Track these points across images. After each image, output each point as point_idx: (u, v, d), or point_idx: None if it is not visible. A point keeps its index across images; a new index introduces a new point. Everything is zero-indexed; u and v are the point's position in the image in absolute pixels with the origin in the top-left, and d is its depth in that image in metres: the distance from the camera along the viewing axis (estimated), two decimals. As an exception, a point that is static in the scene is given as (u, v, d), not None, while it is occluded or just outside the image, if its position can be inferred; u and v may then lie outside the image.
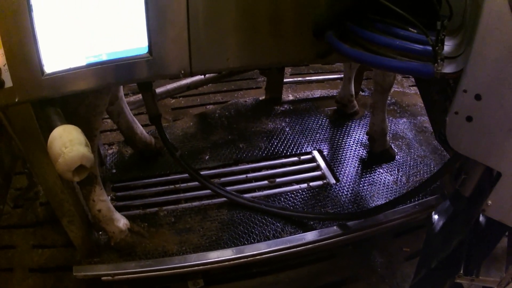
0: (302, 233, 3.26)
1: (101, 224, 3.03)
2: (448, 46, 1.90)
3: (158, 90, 4.15)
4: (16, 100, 2.04)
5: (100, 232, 3.17)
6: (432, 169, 3.89)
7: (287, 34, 2.36)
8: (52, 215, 3.28)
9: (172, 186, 3.66)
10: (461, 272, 2.30)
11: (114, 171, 3.77)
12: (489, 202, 1.96)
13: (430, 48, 1.85)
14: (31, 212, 3.60)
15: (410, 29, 2.05)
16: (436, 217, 2.42)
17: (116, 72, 2.20)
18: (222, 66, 2.45)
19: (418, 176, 3.82)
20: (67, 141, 1.99)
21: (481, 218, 2.27)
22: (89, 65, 2.11)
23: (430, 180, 2.93)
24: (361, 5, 2.23)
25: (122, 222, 3.10)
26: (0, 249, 3.36)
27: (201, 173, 3.53)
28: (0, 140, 3.55)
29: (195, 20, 2.17)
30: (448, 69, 1.83)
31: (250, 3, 2.22)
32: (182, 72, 2.31)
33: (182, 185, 3.67)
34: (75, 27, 2.02)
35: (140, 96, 4.04)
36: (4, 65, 1.93)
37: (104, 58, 2.13)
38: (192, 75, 2.43)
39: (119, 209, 3.24)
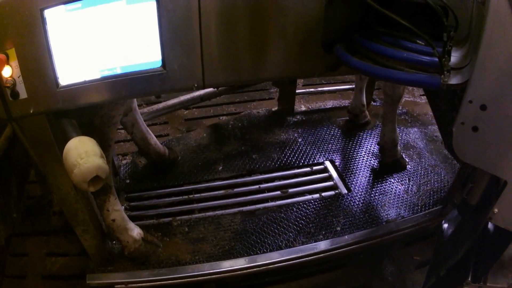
0: (314, 242, 3.29)
1: (115, 234, 3.07)
2: (454, 57, 1.93)
3: (172, 101, 4.21)
4: (31, 111, 2.10)
5: (114, 242, 3.21)
6: (442, 178, 3.90)
7: (297, 48, 2.39)
8: (65, 224, 3.33)
9: (186, 197, 3.70)
10: (469, 279, 2.32)
11: (128, 181, 3.81)
12: (496, 210, 1.98)
13: (437, 59, 1.88)
14: (45, 221, 3.65)
15: (417, 41, 2.08)
16: (446, 225, 2.44)
17: (130, 85, 2.24)
18: (234, 79, 2.50)
19: (429, 185, 3.83)
20: (83, 152, 2.04)
21: (489, 226, 2.28)
22: (104, 78, 2.17)
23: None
24: (369, 18, 2.26)
25: (136, 231, 3.13)
26: (13, 257, 3.41)
27: (215, 184, 3.59)
28: (13, 150, 3.60)
29: (207, 34, 2.21)
30: (454, 80, 1.85)
31: (260, 18, 2.26)
32: (195, 85, 2.35)
33: (195, 195, 3.71)
34: (90, 41, 2.07)
35: (153, 107, 4.10)
36: (18, 77, 1.99)
37: (118, 71, 2.18)
38: (204, 88, 2.48)
39: (133, 219, 3.28)
